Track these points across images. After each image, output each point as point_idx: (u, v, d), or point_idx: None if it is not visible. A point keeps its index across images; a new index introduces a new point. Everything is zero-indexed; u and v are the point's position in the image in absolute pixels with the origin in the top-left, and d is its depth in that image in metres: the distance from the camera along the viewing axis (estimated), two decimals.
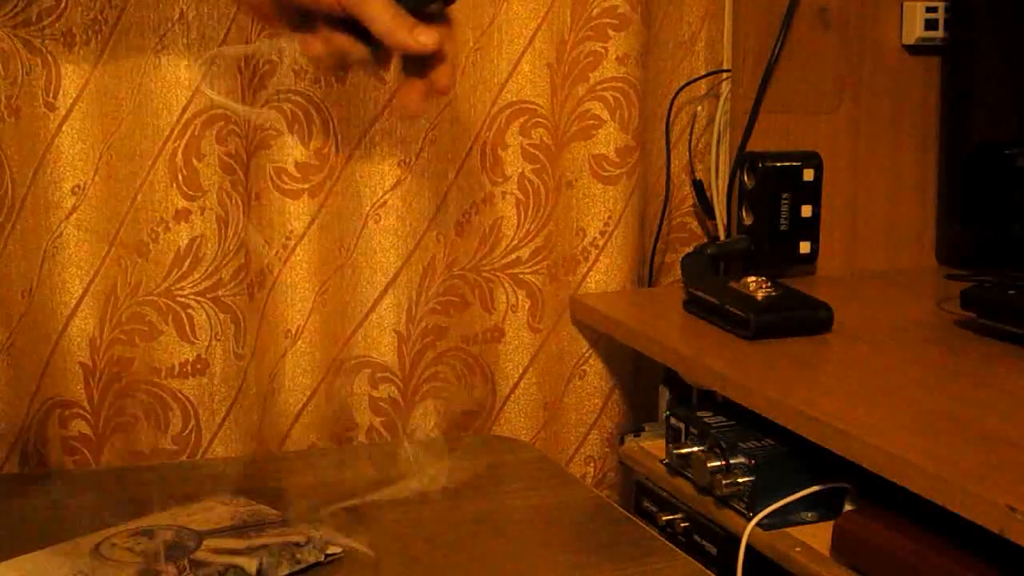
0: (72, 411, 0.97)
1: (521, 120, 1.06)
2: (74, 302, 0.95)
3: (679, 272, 1.12)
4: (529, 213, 1.07)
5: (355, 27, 0.69)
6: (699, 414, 0.91)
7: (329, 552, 0.74)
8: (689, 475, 0.90)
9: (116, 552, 0.72)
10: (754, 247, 1.11)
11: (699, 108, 1.16)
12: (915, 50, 1.20)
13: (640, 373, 1.14)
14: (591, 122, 1.07)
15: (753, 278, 0.98)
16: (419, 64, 0.71)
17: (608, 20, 1.06)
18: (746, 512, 0.83)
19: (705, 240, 1.17)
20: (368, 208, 1.03)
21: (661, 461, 0.95)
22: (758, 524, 0.81)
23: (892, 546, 0.73)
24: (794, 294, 0.97)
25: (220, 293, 0.97)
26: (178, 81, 0.94)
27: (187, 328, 0.98)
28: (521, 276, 1.08)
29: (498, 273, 1.08)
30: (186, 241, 0.96)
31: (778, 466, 0.83)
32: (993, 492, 0.63)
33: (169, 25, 0.94)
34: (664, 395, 1.03)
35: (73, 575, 0.69)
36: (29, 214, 0.95)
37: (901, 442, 0.71)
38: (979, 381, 0.85)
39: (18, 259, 0.95)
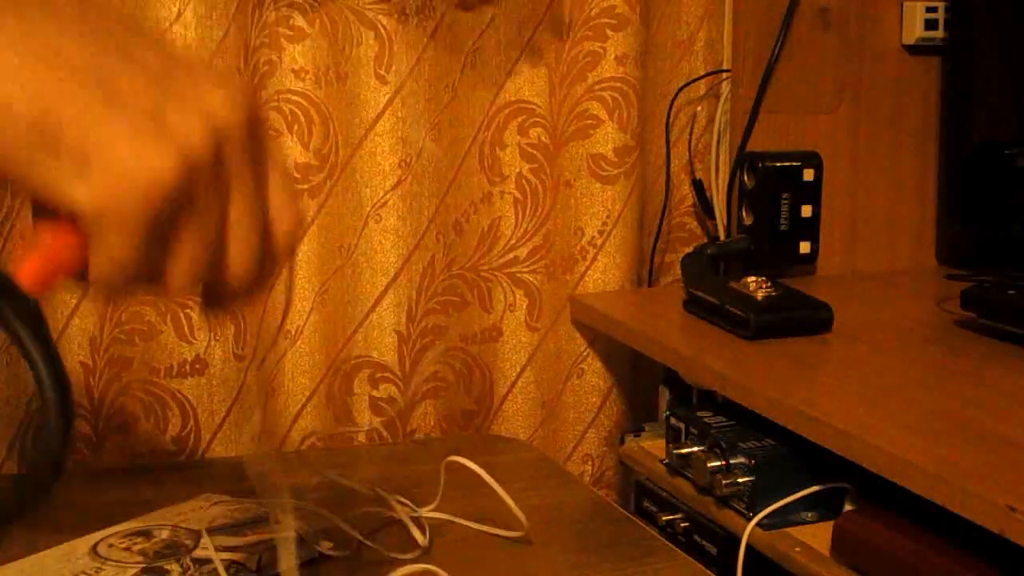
0: None
1: (519, 120, 1.06)
2: (74, 301, 0.95)
3: (679, 272, 1.12)
4: (527, 212, 1.07)
5: None
6: (699, 414, 0.91)
7: (324, 548, 0.74)
8: (689, 475, 0.90)
9: (115, 552, 0.72)
10: (754, 247, 1.11)
11: (699, 108, 1.16)
12: (915, 50, 1.20)
13: (639, 373, 1.14)
14: (589, 122, 1.08)
15: (753, 278, 0.98)
16: None
17: (607, 20, 1.06)
18: (746, 512, 0.83)
19: (705, 240, 1.17)
20: (368, 208, 1.03)
21: (661, 461, 0.95)
22: (758, 524, 0.81)
23: (892, 546, 0.73)
24: (794, 294, 0.97)
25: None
26: None
27: (186, 328, 0.98)
28: (519, 275, 1.08)
29: (496, 272, 1.08)
30: None
31: (778, 466, 0.83)
32: (993, 492, 0.63)
33: (167, 25, 0.94)
34: (664, 395, 1.03)
35: None
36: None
37: (901, 442, 0.71)
38: (979, 381, 0.85)
39: (19, 259, 0.95)
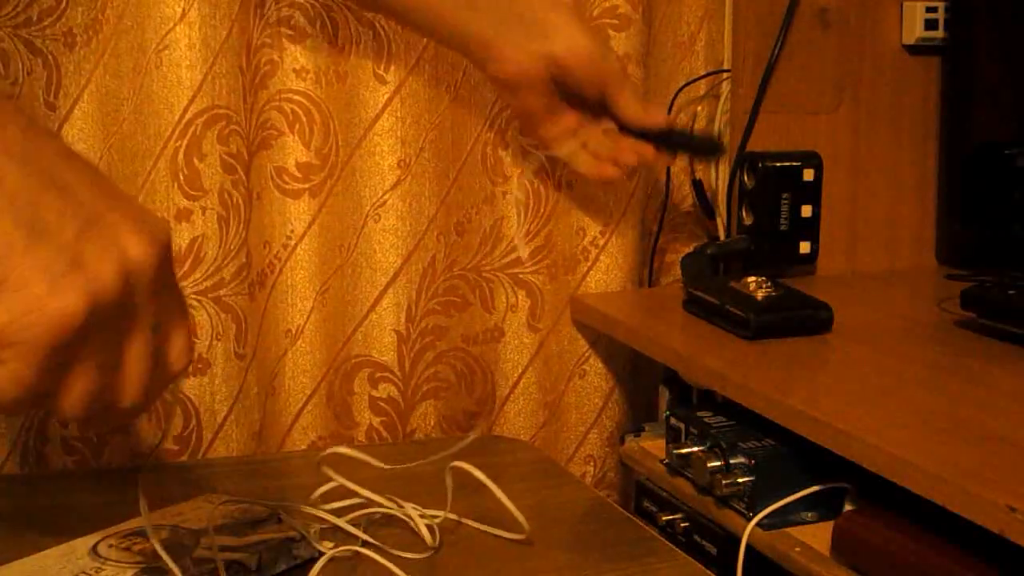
0: None
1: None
2: None
3: (679, 272, 1.12)
4: (528, 213, 1.07)
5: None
6: (699, 414, 0.91)
7: (323, 548, 0.74)
8: (689, 475, 0.90)
9: (114, 553, 0.72)
10: (754, 247, 1.11)
11: (699, 108, 1.16)
12: (915, 50, 1.20)
13: (639, 373, 1.14)
14: None
15: (753, 278, 0.98)
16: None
17: (609, 20, 1.06)
18: (746, 512, 0.83)
19: (705, 240, 1.17)
20: (368, 208, 1.03)
21: (661, 461, 0.95)
22: (758, 524, 0.81)
23: (892, 546, 0.73)
24: (794, 294, 0.97)
25: (221, 293, 0.97)
26: (179, 81, 0.94)
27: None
28: (521, 276, 1.08)
29: (498, 273, 1.08)
30: (187, 241, 0.96)
31: (778, 466, 0.83)
32: (993, 492, 0.63)
33: (171, 25, 0.94)
34: (664, 395, 1.03)
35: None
36: None
37: (901, 442, 0.71)
38: (979, 381, 0.85)
39: None
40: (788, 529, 0.82)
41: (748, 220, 1.12)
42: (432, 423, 1.07)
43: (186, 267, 0.96)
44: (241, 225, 0.98)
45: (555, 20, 0.93)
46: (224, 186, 0.97)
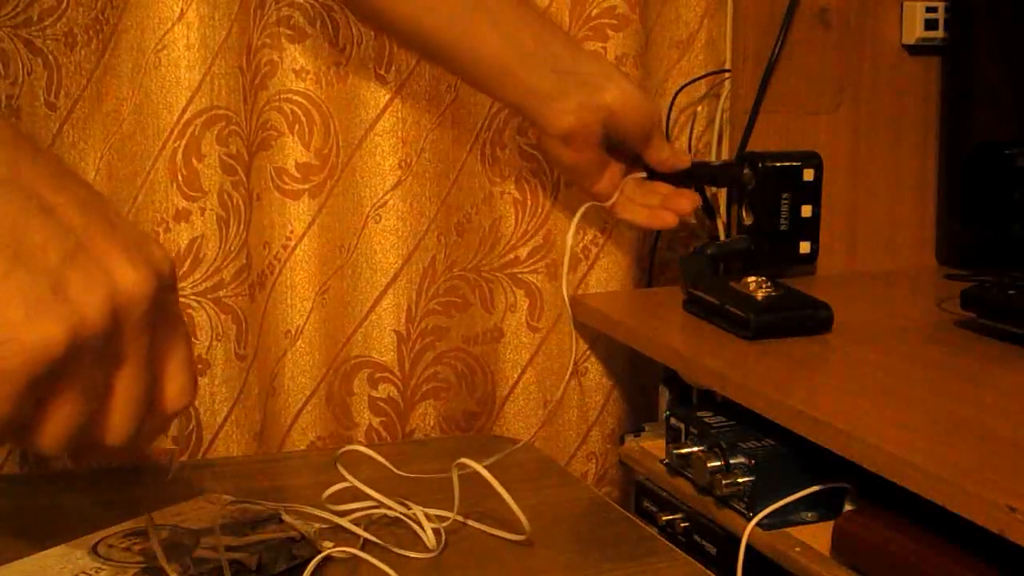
0: None
1: (518, 119, 1.06)
2: None
3: (678, 272, 1.12)
4: (527, 213, 1.07)
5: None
6: (699, 414, 0.91)
7: (323, 548, 0.74)
8: (689, 475, 0.90)
9: (115, 553, 0.72)
10: (754, 247, 1.11)
11: (699, 108, 1.16)
12: (915, 50, 1.20)
13: (639, 372, 1.14)
14: None
15: (753, 278, 0.98)
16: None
17: (607, 20, 1.06)
18: (746, 512, 0.83)
19: (705, 240, 1.17)
20: (368, 208, 1.03)
21: (661, 461, 0.95)
22: (758, 524, 0.81)
23: (892, 546, 0.73)
24: (794, 294, 0.97)
25: (221, 294, 0.97)
26: (178, 81, 0.94)
27: (188, 328, 0.98)
28: (519, 276, 1.08)
29: (496, 273, 1.08)
30: (186, 242, 0.96)
31: (778, 466, 0.83)
32: (993, 492, 0.63)
33: (170, 25, 0.94)
34: (664, 395, 1.03)
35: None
36: None
37: (901, 442, 0.71)
38: (979, 381, 0.85)
39: None
40: (788, 529, 0.82)
41: (748, 220, 1.12)
42: (432, 423, 1.07)
43: (186, 268, 0.96)
44: (241, 226, 0.98)
45: (604, 73, 0.97)
46: (224, 187, 0.97)
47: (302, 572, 0.72)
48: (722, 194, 1.14)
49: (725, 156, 1.15)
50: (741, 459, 0.84)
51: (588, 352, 1.10)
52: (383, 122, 1.02)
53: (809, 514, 0.83)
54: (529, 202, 1.08)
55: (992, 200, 1.17)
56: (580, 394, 1.11)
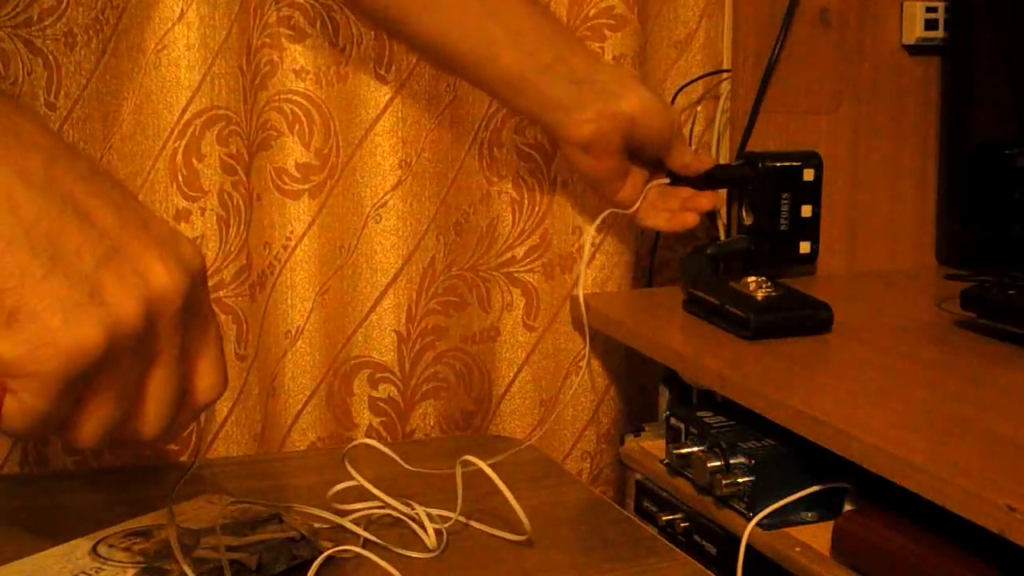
0: None
1: (516, 119, 1.06)
2: None
3: (679, 272, 1.12)
4: (524, 212, 1.07)
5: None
6: (699, 414, 0.91)
7: (323, 548, 0.74)
8: (689, 475, 0.90)
9: (115, 553, 0.72)
10: (754, 247, 1.11)
11: (699, 108, 1.16)
12: (915, 50, 1.20)
13: (639, 372, 1.14)
14: None
15: (753, 278, 0.98)
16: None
17: (605, 20, 1.06)
18: (746, 512, 0.83)
19: (705, 240, 1.17)
20: (368, 208, 1.03)
21: (661, 461, 0.95)
22: (758, 524, 0.81)
23: (892, 546, 0.73)
24: (794, 294, 0.97)
25: (222, 294, 0.98)
26: (178, 81, 0.94)
27: None
28: (516, 275, 1.08)
29: (493, 272, 1.08)
30: None
31: (778, 466, 0.83)
32: (993, 492, 0.63)
33: (170, 25, 0.94)
34: (664, 395, 1.03)
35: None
36: None
37: (901, 442, 0.71)
38: (979, 381, 0.85)
39: None
40: (788, 529, 0.82)
41: (748, 220, 1.12)
42: (432, 423, 1.07)
43: None
44: (241, 226, 0.98)
45: (621, 81, 0.97)
46: (224, 187, 0.97)
47: (302, 572, 0.72)
48: (722, 194, 1.14)
49: (725, 156, 1.15)
50: (741, 459, 0.84)
51: (585, 350, 1.10)
52: (383, 122, 1.02)
53: (809, 514, 0.83)
54: (526, 202, 1.08)
55: (992, 200, 1.17)
56: (576, 392, 1.11)
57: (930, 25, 1.18)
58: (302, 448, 1.04)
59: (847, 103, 1.18)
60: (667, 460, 0.94)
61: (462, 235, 1.06)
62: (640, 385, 1.15)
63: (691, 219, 1.04)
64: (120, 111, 0.95)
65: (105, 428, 0.50)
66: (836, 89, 1.17)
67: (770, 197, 1.11)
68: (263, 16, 0.98)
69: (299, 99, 1.00)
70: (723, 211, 1.14)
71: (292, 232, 1.02)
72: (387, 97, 1.02)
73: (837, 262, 1.19)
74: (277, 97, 1.00)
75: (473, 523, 0.81)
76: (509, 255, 1.08)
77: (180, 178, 0.95)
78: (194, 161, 0.95)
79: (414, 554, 0.76)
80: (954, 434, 0.74)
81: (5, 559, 0.71)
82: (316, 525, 0.78)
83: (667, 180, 1.03)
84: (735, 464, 0.84)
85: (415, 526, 0.80)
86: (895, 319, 1.03)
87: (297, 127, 1.00)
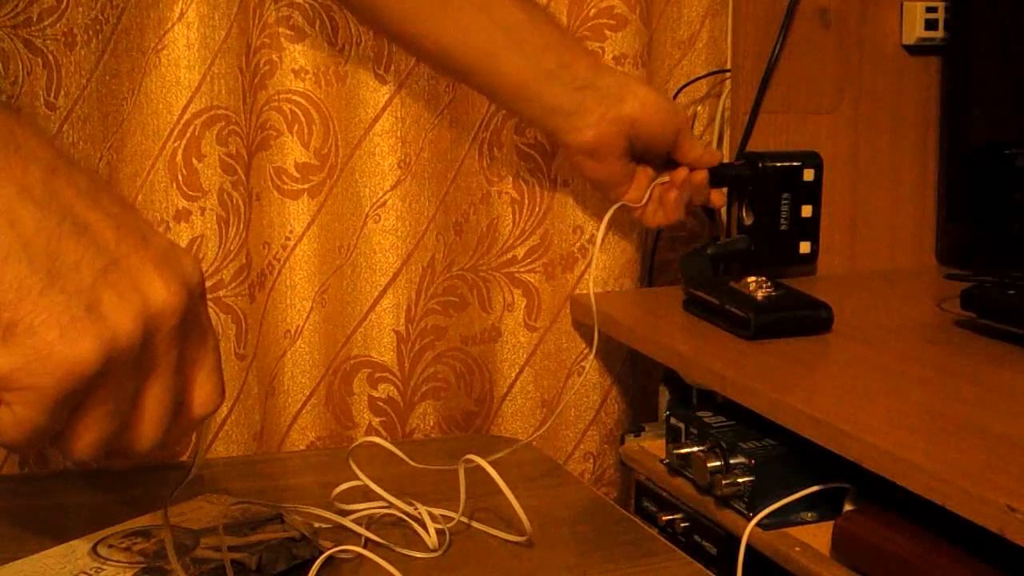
0: None
1: (515, 120, 1.06)
2: None
3: (678, 272, 1.12)
4: (524, 212, 1.07)
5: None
6: (699, 414, 0.91)
7: (323, 548, 0.74)
8: (689, 475, 0.90)
9: (115, 553, 0.72)
10: (754, 247, 1.11)
11: (699, 108, 1.16)
12: (915, 50, 1.20)
13: (639, 372, 1.14)
14: None
15: (753, 278, 0.98)
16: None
17: (605, 20, 1.06)
18: (746, 512, 0.83)
19: (705, 240, 1.17)
20: (368, 208, 1.03)
21: (661, 461, 0.95)
22: (758, 524, 0.81)
23: (892, 546, 0.73)
24: (794, 294, 0.97)
25: (221, 294, 0.97)
26: (178, 81, 0.94)
27: None
28: (516, 275, 1.08)
29: (494, 272, 1.08)
30: (186, 242, 0.96)
31: (778, 466, 0.83)
32: (993, 492, 0.63)
33: (169, 25, 0.94)
34: (664, 395, 1.03)
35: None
36: None
37: (901, 442, 0.71)
38: (979, 381, 0.85)
39: None
40: (788, 529, 0.82)
41: (748, 220, 1.12)
42: (431, 423, 1.07)
43: None
44: (241, 226, 0.98)
45: (622, 84, 0.98)
46: (223, 187, 0.97)
47: (303, 572, 0.72)
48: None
49: (725, 156, 1.15)
50: (741, 459, 0.84)
51: (587, 351, 1.10)
52: (382, 122, 1.02)
53: (809, 514, 0.83)
54: (526, 202, 1.07)
55: (992, 200, 1.17)
56: (578, 393, 1.11)
57: (930, 25, 1.18)
58: (301, 448, 1.04)
59: (847, 103, 1.18)
60: (667, 460, 0.94)
61: (462, 235, 1.06)
62: (640, 385, 1.15)
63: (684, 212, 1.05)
64: (120, 111, 0.95)
65: (100, 440, 0.50)
66: (836, 89, 1.17)
67: (770, 197, 1.11)
68: (262, 16, 0.98)
69: (298, 99, 1.00)
70: (723, 211, 1.14)
71: (291, 232, 1.02)
72: (386, 97, 1.02)
73: (837, 262, 1.19)
74: (276, 97, 1.00)
75: (478, 526, 0.81)
76: (509, 255, 1.08)
77: (180, 178, 0.95)
78: (194, 161, 0.95)
79: (417, 554, 0.76)
80: (954, 434, 0.74)
81: (5, 559, 0.71)
82: (318, 525, 0.78)
83: (668, 180, 1.03)
84: (735, 464, 0.84)
85: (417, 526, 0.79)
86: (895, 319, 1.03)
87: (296, 127, 1.00)
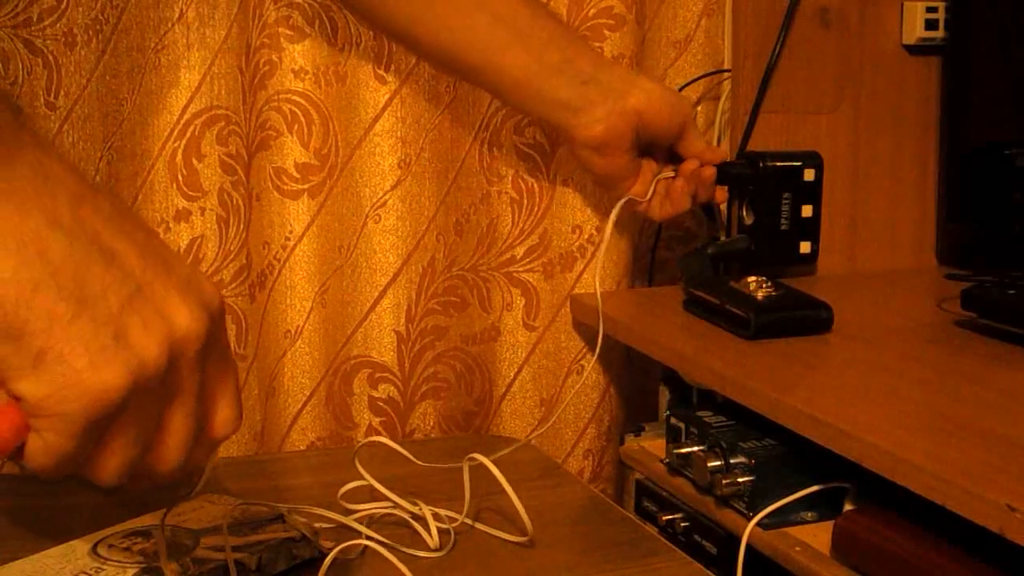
0: None
1: (516, 119, 1.06)
2: None
3: (678, 272, 1.12)
4: (524, 211, 1.07)
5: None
6: (699, 414, 0.91)
7: (323, 548, 0.74)
8: (689, 475, 0.90)
9: (114, 553, 0.72)
10: (754, 247, 1.11)
11: (699, 108, 1.16)
12: (915, 50, 1.20)
13: (639, 372, 1.14)
14: None
15: (753, 278, 0.98)
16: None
17: (604, 20, 1.06)
18: (746, 512, 0.83)
19: (705, 240, 1.17)
20: (368, 208, 1.03)
21: (661, 461, 0.95)
22: (758, 524, 0.81)
23: (892, 546, 0.73)
24: (794, 294, 0.97)
25: (222, 294, 0.97)
26: (178, 81, 0.94)
27: None
28: (516, 275, 1.08)
29: (493, 272, 1.08)
30: (186, 242, 0.96)
31: (778, 466, 0.83)
32: (993, 492, 0.63)
33: (169, 25, 0.94)
34: (664, 395, 1.03)
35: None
36: None
37: (901, 442, 0.71)
38: (979, 381, 0.85)
39: None
40: (788, 529, 0.82)
41: (748, 220, 1.12)
42: (432, 423, 1.07)
43: None
44: (241, 226, 0.98)
45: (626, 78, 0.98)
46: (223, 187, 0.97)
47: (303, 572, 0.72)
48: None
49: (725, 156, 1.15)
50: (741, 459, 0.84)
51: (586, 350, 1.10)
52: (382, 122, 1.02)
53: (809, 514, 0.83)
54: (525, 201, 1.07)
55: (992, 200, 1.17)
56: (577, 392, 1.11)
57: (930, 25, 1.18)
58: (302, 448, 1.04)
59: (847, 103, 1.18)
60: (667, 460, 0.94)
61: (462, 235, 1.06)
62: (638, 384, 1.15)
63: (687, 203, 1.04)
64: (120, 111, 0.95)
65: (125, 465, 0.51)
66: (836, 89, 1.17)
67: (770, 197, 1.11)
68: (262, 16, 0.98)
69: (298, 99, 1.00)
70: (723, 210, 1.14)
71: (291, 232, 1.02)
72: (386, 97, 1.02)
73: (837, 262, 1.19)
74: (276, 97, 1.00)
75: (476, 523, 0.81)
76: (509, 255, 1.08)
77: (180, 178, 0.95)
78: (194, 161, 0.95)
79: (420, 553, 0.76)
80: (954, 434, 0.74)
81: (5, 559, 0.71)
82: (321, 525, 0.78)
83: (672, 174, 1.03)
84: (735, 464, 0.84)
85: (419, 526, 0.79)
86: (895, 319, 1.03)
87: (296, 127, 1.00)
